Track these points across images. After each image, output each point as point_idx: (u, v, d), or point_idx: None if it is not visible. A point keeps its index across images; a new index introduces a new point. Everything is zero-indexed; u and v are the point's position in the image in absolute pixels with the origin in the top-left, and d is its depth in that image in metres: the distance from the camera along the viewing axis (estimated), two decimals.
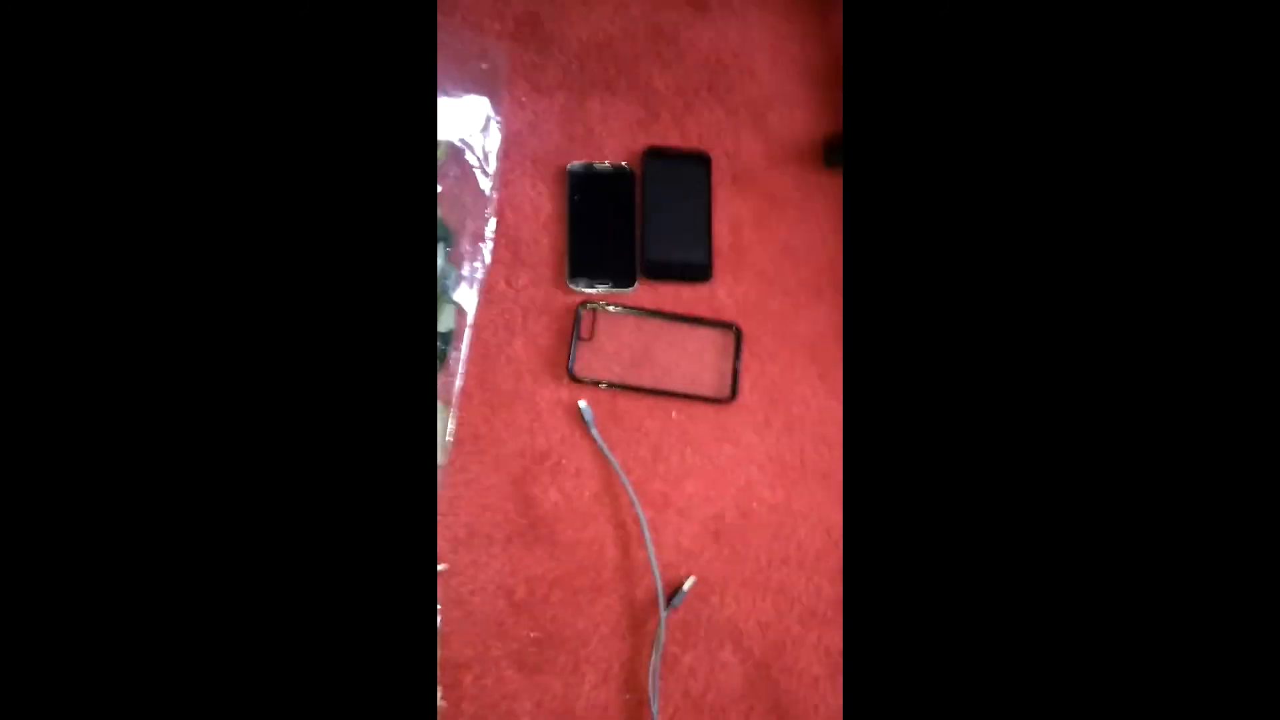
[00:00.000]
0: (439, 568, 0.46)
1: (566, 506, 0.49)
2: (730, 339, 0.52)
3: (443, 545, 0.47)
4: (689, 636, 0.48)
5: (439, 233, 0.47)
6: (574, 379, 0.49)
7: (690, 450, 0.51)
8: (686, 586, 0.48)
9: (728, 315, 0.52)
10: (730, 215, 0.54)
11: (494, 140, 0.49)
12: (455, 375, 0.47)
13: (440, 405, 0.46)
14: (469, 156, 0.48)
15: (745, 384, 0.52)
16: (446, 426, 0.46)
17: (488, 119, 0.49)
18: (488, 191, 0.49)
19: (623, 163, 0.53)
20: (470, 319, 0.48)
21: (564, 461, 0.49)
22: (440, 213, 0.47)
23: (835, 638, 0.50)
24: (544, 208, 0.52)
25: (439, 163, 0.47)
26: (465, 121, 0.48)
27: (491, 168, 0.49)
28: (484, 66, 0.51)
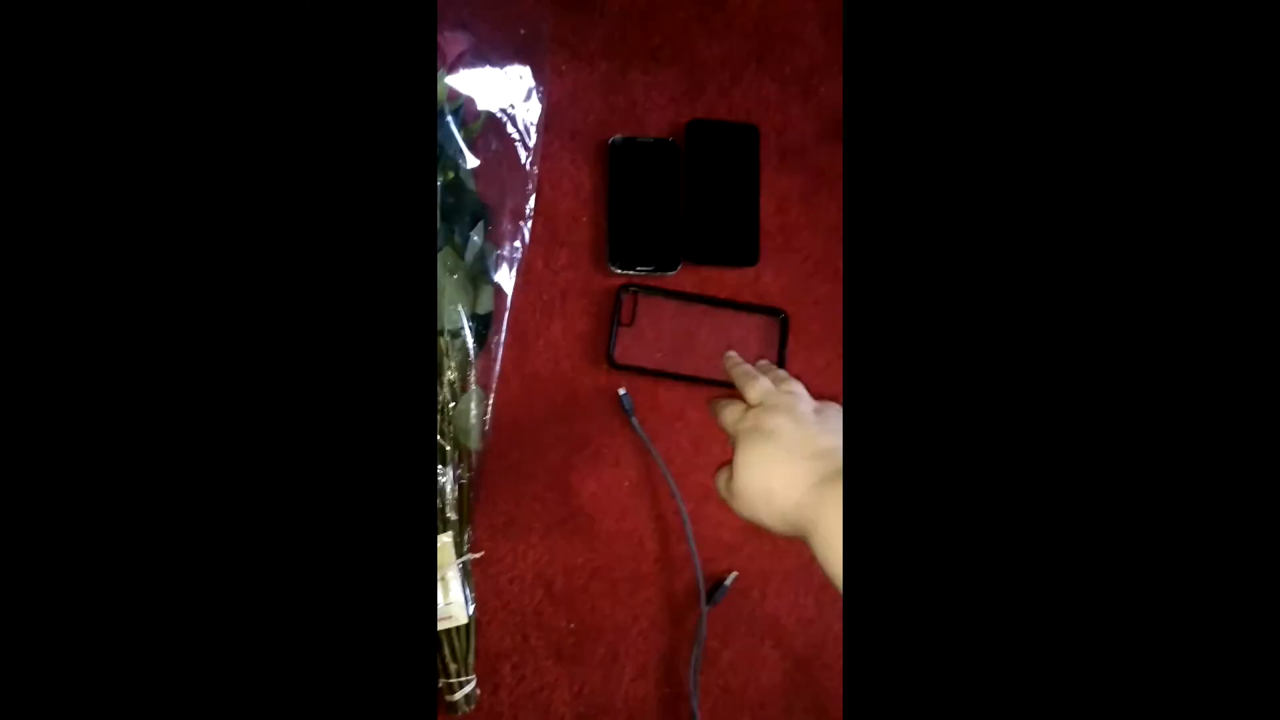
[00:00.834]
0: (475, 556, 0.45)
1: (605, 496, 0.47)
2: (776, 326, 0.49)
3: (480, 533, 0.46)
4: (729, 631, 0.47)
5: (476, 210, 0.45)
6: (614, 365, 0.47)
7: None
8: (728, 581, 0.47)
9: (773, 300, 0.50)
10: (778, 193, 0.52)
11: (534, 111, 0.47)
12: (495, 360, 0.45)
13: (478, 389, 0.44)
14: (510, 129, 0.46)
15: (791, 373, 0.50)
16: (486, 412, 0.45)
17: (530, 89, 0.46)
18: (528, 166, 0.46)
19: (668, 137, 0.50)
20: (509, 301, 0.46)
21: (603, 450, 0.48)
22: (478, 188, 0.45)
23: None
24: (584, 184, 0.49)
25: (474, 134, 0.45)
26: (505, 91, 0.45)
27: (532, 141, 0.46)
28: (522, 32, 0.48)
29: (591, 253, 0.49)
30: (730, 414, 0.36)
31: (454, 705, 0.43)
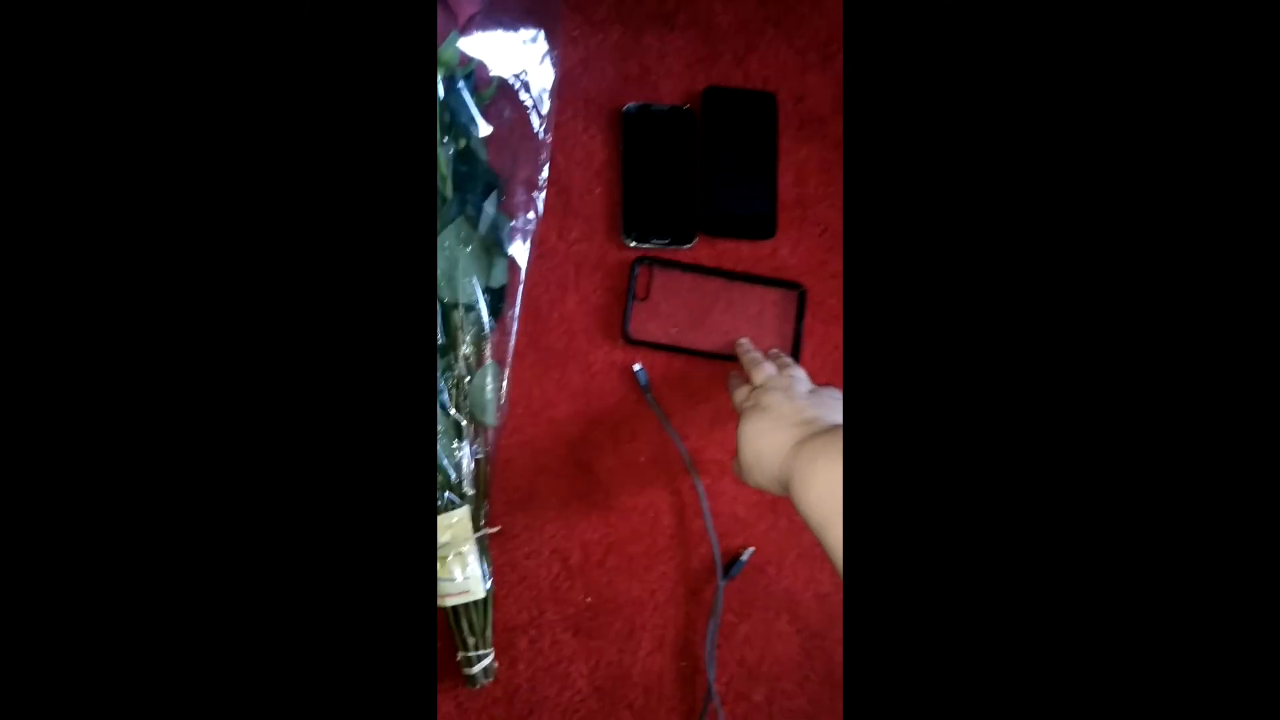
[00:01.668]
0: (492, 530, 0.45)
1: (622, 471, 0.47)
2: (794, 300, 0.49)
3: (497, 508, 0.45)
4: (745, 606, 0.47)
5: (490, 180, 0.43)
6: (629, 341, 0.47)
7: None
8: (745, 556, 0.47)
9: (791, 274, 0.49)
10: (796, 164, 0.50)
11: (548, 78, 0.45)
12: (510, 334, 0.44)
13: (494, 364, 0.44)
14: (522, 96, 0.44)
15: (808, 348, 0.49)
16: (502, 387, 0.44)
17: (543, 54, 0.45)
18: (541, 135, 0.45)
19: (683, 105, 0.49)
20: (523, 274, 0.45)
21: (620, 426, 0.47)
22: (490, 157, 0.44)
23: None
24: (597, 153, 0.48)
25: (485, 101, 0.44)
26: (518, 56, 0.44)
27: (545, 108, 0.45)
28: None
29: (605, 224, 0.48)
30: (739, 394, 0.40)
31: (472, 678, 0.43)
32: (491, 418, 0.44)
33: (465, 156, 0.43)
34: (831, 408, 0.36)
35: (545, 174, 0.46)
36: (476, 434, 0.43)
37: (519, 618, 0.45)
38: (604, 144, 0.48)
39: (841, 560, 0.29)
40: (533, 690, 0.45)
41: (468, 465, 0.43)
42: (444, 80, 0.41)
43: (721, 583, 0.46)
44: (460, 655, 0.43)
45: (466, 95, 0.42)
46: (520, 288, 0.45)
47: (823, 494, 0.31)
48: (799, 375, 0.40)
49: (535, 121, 0.45)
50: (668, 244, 0.48)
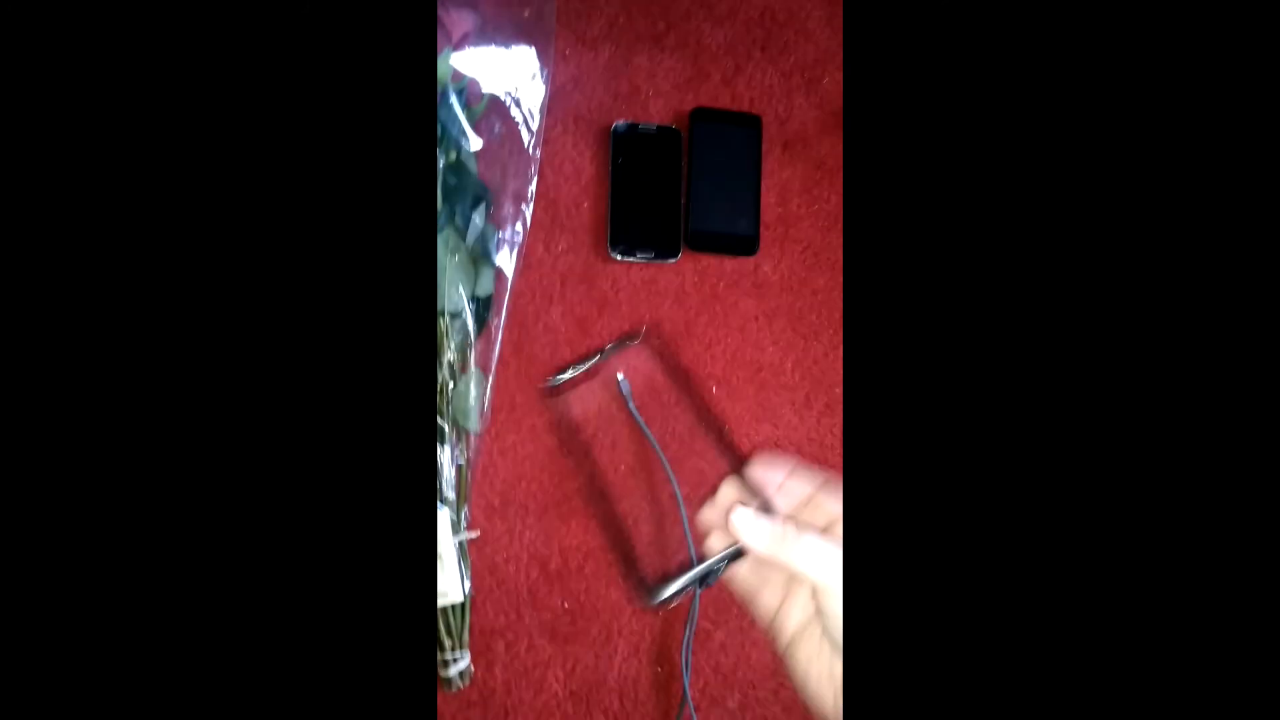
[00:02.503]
0: (471, 534, 0.45)
1: (602, 479, 0.48)
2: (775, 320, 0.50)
3: (477, 513, 0.46)
4: (721, 614, 0.48)
5: (479, 192, 0.45)
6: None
7: (729, 428, 0.50)
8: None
9: (772, 289, 0.51)
10: (779, 184, 0.52)
11: (538, 95, 0.47)
12: (495, 343, 0.45)
13: (478, 371, 0.45)
14: (513, 112, 0.46)
15: (789, 362, 0.51)
16: (485, 394, 0.45)
17: (534, 72, 0.46)
18: (531, 150, 0.46)
19: (671, 125, 0.50)
20: (510, 284, 0.46)
21: (599, 434, 0.48)
22: (480, 170, 0.45)
23: None
24: (585, 169, 0.49)
25: (477, 116, 0.45)
26: (510, 73, 0.45)
27: (536, 124, 0.46)
28: (527, 14, 0.48)
29: (591, 238, 0.49)
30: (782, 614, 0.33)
31: (448, 681, 0.44)
32: (474, 424, 0.44)
33: (455, 169, 0.44)
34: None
35: (534, 187, 0.47)
36: (459, 439, 0.44)
37: (496, 621, 0.46)
38: (592, 160, 0.50)
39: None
40: (508, 694, 0.46)
41: (449, 470, 0.43)
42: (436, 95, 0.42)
43: (698, 590, 0.47)
44: (437, 658, 0.44)
45: (458, 110, 0.43)
46: (506, 297, 0.46)
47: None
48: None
49: (525, 137, 0.46)
50: (653, 257, 0.49)
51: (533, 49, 0.46)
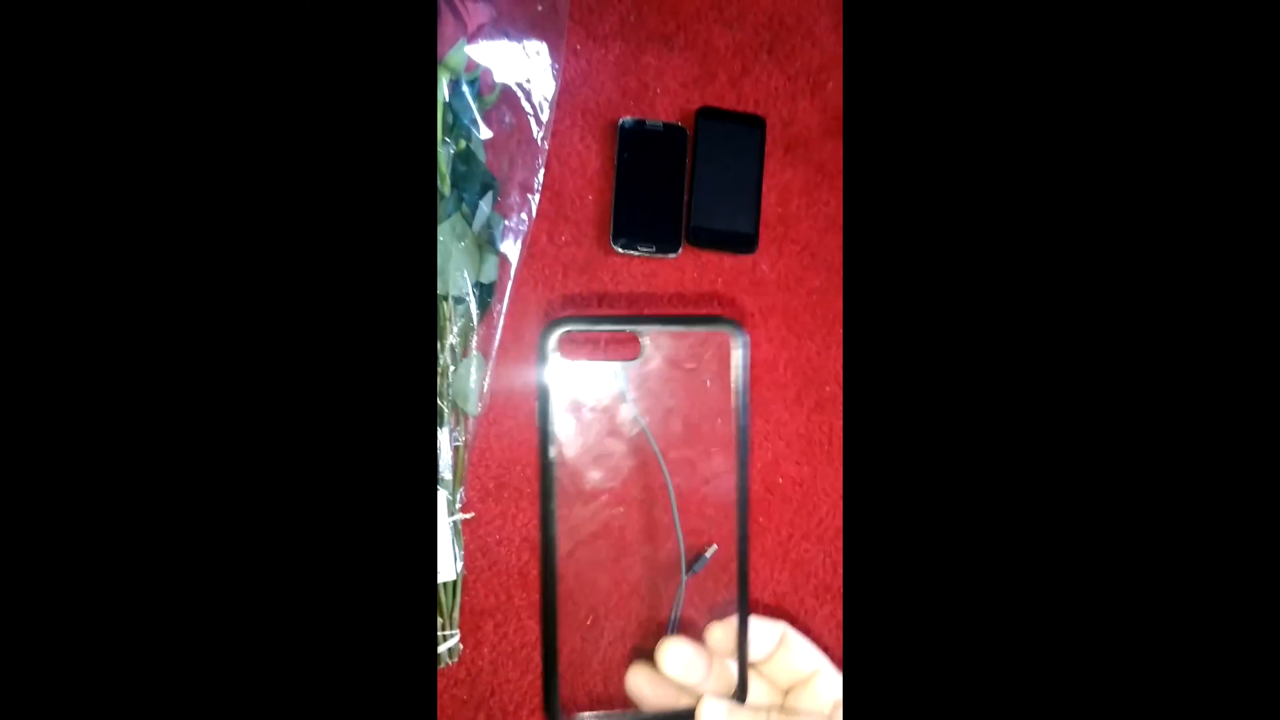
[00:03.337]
0: (466, 515, 0.46)
1: (594, 466, 0.49)
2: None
3: (471, 495, 0.47)
4: (706, 601, 0.49)
5: (486, 179, 0.46)
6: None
7: (721, 421, 0.51)
8: (708, 554, 0.49)
9: (769, 288, 0.52)
10: (780, 185, 0.53)
11: (549, 88, 0.47)
12: (496, 328, 0.46)
13: (478, 355, 0.46)
14: (524, 104, 0.47)
15: (783, 359, 0.52)
16: (485, 378, 0.46)
17: (546, 66, 0.47)
18: (539, 141, 0.47)
19: (677, 123, 0.51)
20: (513, 272, 0.47)
21: (595, 422, 0.49)
22: (488, 159, 0.46)
23: None
24: (591, 163, 0.50)
25: (488, 106, 0.46)
26: (522, 66, 0.46)
27: (545, 116, 0.47)
28: (540, 8, 0.49)
29: (595, 230, 0.50)
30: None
31: (437, 658, 0.45)
32: (473, 407, 0.45)
33: (465, 157, 0.45)
34: None
35: (540, 178, 0.48)
36: (457, 421, 0.45)
37: (487, 602, 0.47)
38: (598, 154, 0.51)
39: None
40: (495, 673, 0.47)
41: (446, 451, 0.44)
42: (450, 84, 0.43)
43: (684, 577, 0.48)
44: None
45: (470, 99, 0.44)
46: (509, 284, 0.47)
47: None
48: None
49: (534, 128, 0.47)
50: (654, 252, 0.50)
51: (545, 43, 0.47)
